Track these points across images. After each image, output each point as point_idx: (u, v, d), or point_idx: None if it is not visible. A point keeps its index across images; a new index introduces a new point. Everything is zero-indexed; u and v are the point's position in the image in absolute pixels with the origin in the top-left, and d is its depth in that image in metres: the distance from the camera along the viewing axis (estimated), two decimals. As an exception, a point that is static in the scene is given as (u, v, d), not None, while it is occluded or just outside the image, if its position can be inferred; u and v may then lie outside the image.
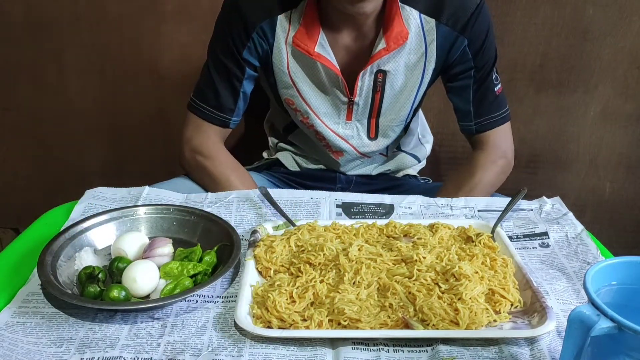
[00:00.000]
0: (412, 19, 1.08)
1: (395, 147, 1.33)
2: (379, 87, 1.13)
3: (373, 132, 1.21)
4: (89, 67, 1.71)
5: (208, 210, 0.97)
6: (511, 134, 1.22)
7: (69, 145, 1.82)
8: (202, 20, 1.64)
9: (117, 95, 1.75)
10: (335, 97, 1.15)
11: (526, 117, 1.74)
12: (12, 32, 1.67)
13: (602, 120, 1.74)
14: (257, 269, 0.83)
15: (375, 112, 1.18)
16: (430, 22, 1.09)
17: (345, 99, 1.15)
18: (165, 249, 0.84)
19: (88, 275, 0.78)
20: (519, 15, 1.62)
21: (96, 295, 0.76)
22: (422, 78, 1.14)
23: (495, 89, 1.17)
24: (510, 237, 0.93)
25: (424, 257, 0.81)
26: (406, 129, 1.29)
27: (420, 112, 1.40)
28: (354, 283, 0.78)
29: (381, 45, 1.08)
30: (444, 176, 1.78)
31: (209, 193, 1.07)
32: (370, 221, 0.93)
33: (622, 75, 1.68)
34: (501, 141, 1.20)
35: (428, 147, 1.42)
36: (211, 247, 0.85)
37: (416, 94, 1.16)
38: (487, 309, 0.74)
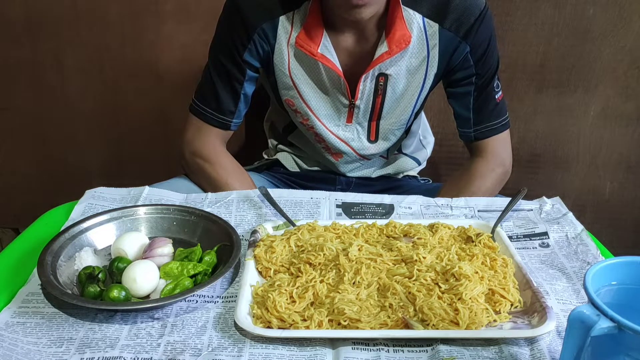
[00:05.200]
0: (414, 22, 1.08)
1: (396, 150, 1.33)
2: (380, 91, 1.13)
3: (373, 135, 1.20)
4: (89, 67, 1.71)
5: (208, 210, 0.97)
6: (510, 141, 1.21)
7: (69, 145, 1.82)
8: (202, 20, 1.64)
9: (117, 95, 1.75)
10: (336, 99, 1.15)
11: (526, 117, 1.75)
12: (11, 32, 1.67)
13: (602, 120, 1.75)
14: (257, 269, 0.83)
15: (376, 115, 1.17)
16: (434, 27, 1.08)
17: (347, 102, 1.15)
18: (165, 249, 0.84)
19: (88, 275, 0.78)
20: (519, 15, 1.62)
21: (96, 295, 0.76)
22: (424, 82, 1.14)
23: (496, 97, 1.16)
24: (510, 237, 0.93)
25: (424, 257, 0.81)
26: (407, 131, 1.29)
27: (422, 114, 1.39)
28: (354, 283, 0.78)
29: (383, 48, 1.07)
30: (444, 176, 1.78)
31: (209, 193, 1.07)
32: (370, 221, 0.93)
33: (622, 75, 1.68)
34: (500, 149, 1.19)
35: (429, 149, 1.42)
36: (211, 247, 0.85)
37: (417, 98, 1.16)
38: (487, 309, 0.74)
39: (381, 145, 1.22)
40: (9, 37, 1.67)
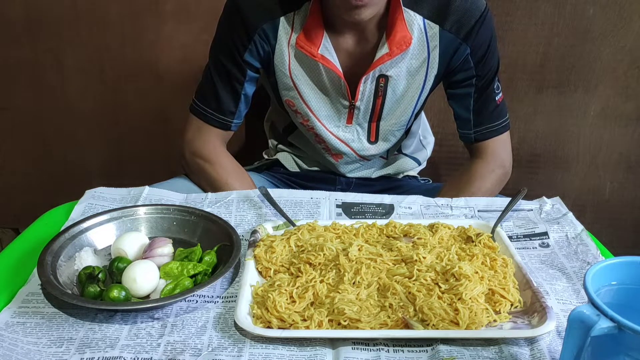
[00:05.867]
0: (415, 24, 1.07)
1: (395, 150, 1.33)
2: (380, 92, 1.13)
3: (373, 136, 1.20)
4: (89, 67, 1.71)
5: (208, 210, 0.97)
6: (510, 143, 1.21)
7: (69, 145, 1.82)
8: (202, 20, 1.64)
9: (117, 95, 1.75)
10: (336, 100, 1.15)
11: (526, 117, 1.75)
12: (11, 32, 1.67)
13: (602, 120, 1.75)
14: (257, 269, 0.83)
15: (376, 116, 1.17)
16: (434, 28, 1.08)
17: (347, 103, 1.15)
18: (165, 249, 0.84)
19: (88, 275, 0.78)
20: (519, 14, 1.62)
21: (96, 295, 0.76)
22: (424, 84, 1.14)
23: (497, 98, 1.16)
24: (510, 237, 0.93)
25: (424, 257, 0.81)
26: (407, 132, 1.29)
27: (422, 114, 1.39)
28: (354, 283, 0.78)
29: (384, 50, 1.07)
30: (444, 176, 1.78)
31: (209, 193, 1.07)
32: (370, 221, 0.93)
33: (622, 75, 1.68)
34: (500, 150, 1.19)
35: (429, 149, 1.42)
36: (211, 247, 0.85)
37: (417, 100, 1.16)
38: (487, 309, 0.74)
39: (381, 146, 1.22)
40: (9, 37, 1.67)
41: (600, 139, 1.77)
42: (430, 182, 1.40)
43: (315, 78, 1.13)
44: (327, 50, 1.08)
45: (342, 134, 1.19)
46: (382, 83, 1.12)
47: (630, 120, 1.74)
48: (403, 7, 1.06)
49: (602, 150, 1.79)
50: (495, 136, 1.18)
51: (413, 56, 1.10)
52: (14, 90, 1.75)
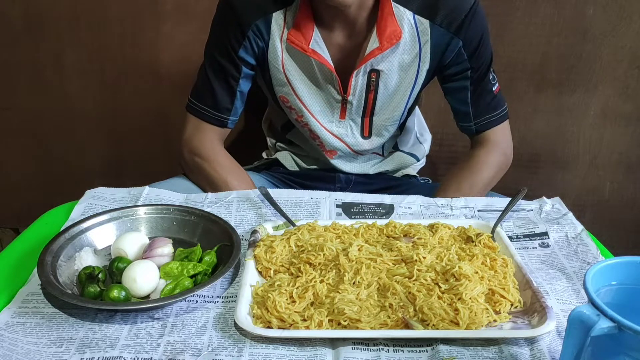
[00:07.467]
0: (405, 19, 1.09)
1: (391, 147, 1.33)
2: (372, 87, 1.14)
3: (367, 131, 1.21)
4: (89, 67, 1.71)
5: (208, 210, 0.97)
6: (510, 130, 1.23)
7: (69, 145, 1.82)
8: (202, 20, 1.63)
9: (117, 95, 1.75)
10: (329, 95, 1.16)
11: (526, 117, 1.75)
12: (11, 32, 1.67)
13: (602, 120, 1.75)
14: (257, 269, 0.83)
15: (369, 111, 1.18)
16: (424, 23, 1.09)
17: (339, 97, 1.15)
18: (165, 249, 0.84)
19: (88, 275, 0.78)
20: (519, 14, 1.62)
21: (96, 295, 0.76)
22: (416, 79, 1.15)
23: (493, 89, 1.17)
24: (510, 237, 0.93)
25: (424, 257, 0.81)
26: (402, 127, 1.30)
27: (418, 111, 1.40)
28: (354, 283, 0.78)
29: (374, 44, 1.08)
30: (443, 176, 1.77)
31: (209, 193, 1.07)
32: (370, 221, 0.93)
33: (622, 75, 1.68)
34: (501, 139, 1.20)
35: (426, 146, 1.42)
36: (211, 247, 0.85)
37: (410, 95, 1.17)
38: (487, 309, 0.74)
39: (375, 141, 1.23)
40: (9, 37, 1.67)
41: (600, 139, 1.77)
42: (430, 181, 1.40)
43: (308, 73, 1.14)
44: (317, 44, 1.09)
45: (336, 129, 1.20)
46: (373, 77, 1.12)
47: (630, 120, 1.74)
48: (392, 2, 1.07)
49: (602, 150, 1.79)
50: (495, 126, 1.19)
51: (405, 51, 1.11)
52: (14, 90, 1.75)
